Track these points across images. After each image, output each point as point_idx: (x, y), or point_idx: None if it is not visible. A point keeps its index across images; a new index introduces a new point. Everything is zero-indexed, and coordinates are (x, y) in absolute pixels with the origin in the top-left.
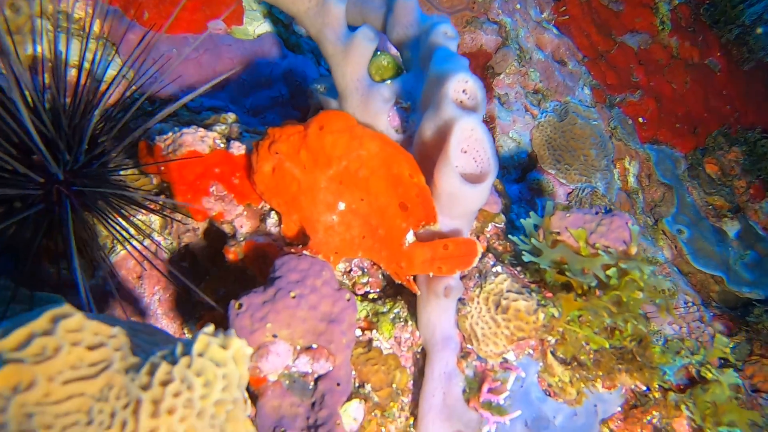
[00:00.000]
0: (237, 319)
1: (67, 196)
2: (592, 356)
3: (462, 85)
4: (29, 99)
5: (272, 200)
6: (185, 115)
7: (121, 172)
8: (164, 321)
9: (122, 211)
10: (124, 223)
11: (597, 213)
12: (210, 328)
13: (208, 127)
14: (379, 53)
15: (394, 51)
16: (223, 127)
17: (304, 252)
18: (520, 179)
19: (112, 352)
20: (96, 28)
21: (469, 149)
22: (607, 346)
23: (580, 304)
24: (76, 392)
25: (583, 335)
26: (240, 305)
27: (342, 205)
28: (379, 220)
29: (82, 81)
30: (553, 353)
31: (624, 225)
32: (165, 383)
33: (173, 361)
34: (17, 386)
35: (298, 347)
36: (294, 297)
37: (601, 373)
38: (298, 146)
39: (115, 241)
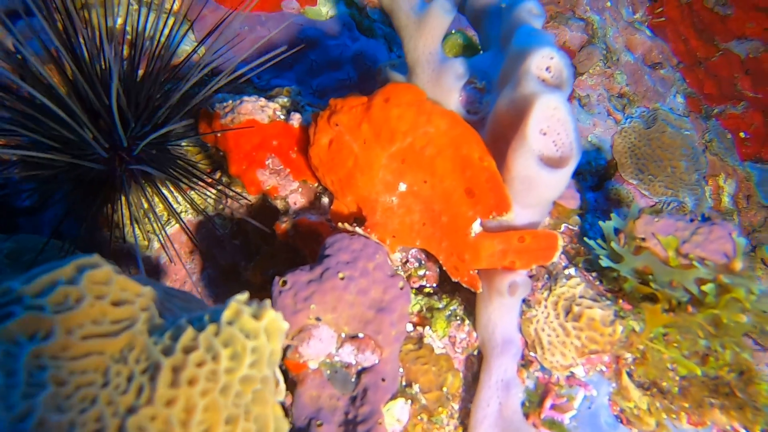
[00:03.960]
0: (280, 298)
1: (128, 162)
2: (677, 383)
3: (546, 61)
4: (102, 68)
5: (326, 177)
6: (251, 93)
7: (185, 146)
8: (211, 299)
9: (180, 183)
10: (179, 196)
11: (692, 220)
12: (244, 295)
13: (270, 98)
14: (454, 32)
15: (471, 32)
16: (285, 99)
17: (357, 230)
18: (596, 187)
19: (138, 312)
20: (176, 5)
21: (550, 131)
22: (699, 373)
23: (668, 319)
24: (94, 350)
25: (670, 357)
26: (284, 282)
27: (403, 186)
28: (443, 206)
29: (156, 53)
30: (629, 374)
31: (726, 236)
32: (188, 350)
33: (200, 328)
34: (34, 335)
35: (344, 335)
36: (342, 278)
37: (687, 405)
38: (360, 119)
39: (171, 215)
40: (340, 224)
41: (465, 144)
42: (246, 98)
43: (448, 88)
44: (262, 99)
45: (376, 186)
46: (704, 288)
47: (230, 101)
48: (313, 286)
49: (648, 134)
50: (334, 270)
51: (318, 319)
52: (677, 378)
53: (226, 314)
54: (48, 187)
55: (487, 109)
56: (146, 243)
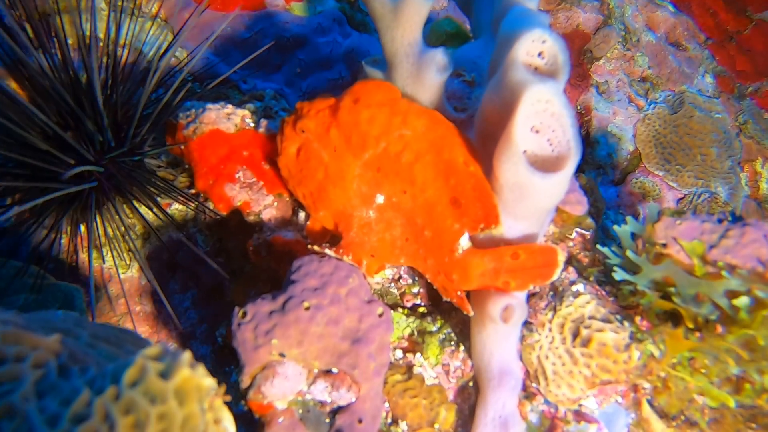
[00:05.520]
0: (239, 331)
1: (96, 177)
2: (707, 413)
3: (537, 45)
4: (70, 78)
5: (297, 190)
6: (237, 98)
7: (162, 159)
8: (196, 320)
9: (156, 198)
10: (158, 211)
11: (721, 221)
12: (154, 349)
13: (241, 104)
14: (442, 18)
15: (462, 18)
16: (258, 104)
17: (328, 252)
18: (618, 181)
19: (28, 371)
20: (153, 8)
21: (543, 128)
22: (732, 404)
23: (692, 344)
24: None
25: (696, 386)
26: (244, 314)
27: (380, 198)
28: (426, 219)
29: (129, 60)
30: (650, 402)
31: (761, 238)
32: (78, 420)
33: (100, 390)
34: None
35: (315, 370)
36: (308, 308)
37: None
38: (327, 123)
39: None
40: (309, 246)
41: (447, 147)
42: (210, 106)
43: (430, 82)
44: (229, 106)
45: (351, 199)
46: (735, 302)
47: (193, 110)
48: (275, 318)
49: (674, 120)
50: (298, 299)
51: (282, 354)
52: (706, 408)
53: (129, 374)
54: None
55: (476, 106)
56: (126, 262)
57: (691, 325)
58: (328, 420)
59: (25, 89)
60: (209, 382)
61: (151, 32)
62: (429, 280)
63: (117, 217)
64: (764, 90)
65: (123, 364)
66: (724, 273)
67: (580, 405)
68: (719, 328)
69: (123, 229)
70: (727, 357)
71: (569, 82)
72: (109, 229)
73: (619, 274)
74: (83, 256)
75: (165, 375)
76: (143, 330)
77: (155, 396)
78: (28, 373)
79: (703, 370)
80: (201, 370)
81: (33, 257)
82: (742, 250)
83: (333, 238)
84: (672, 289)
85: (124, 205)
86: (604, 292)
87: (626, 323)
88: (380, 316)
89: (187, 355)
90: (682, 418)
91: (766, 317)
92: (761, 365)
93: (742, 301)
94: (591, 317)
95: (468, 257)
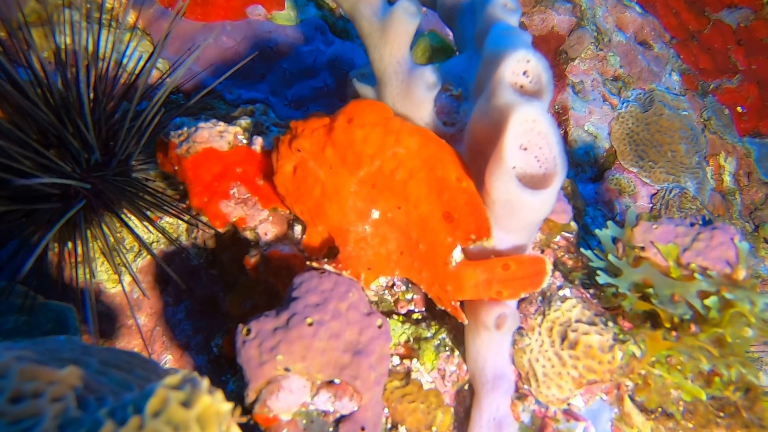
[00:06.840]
0: (244, 348)
1: (84, 195)
2: (682, 406)
3: (522, 65)
4: (49, 94)
5: (294, 206)
6: (222, 108)
7: (151, 173)
8: (190, 331)
9: (146, 213)
10: (149, 226)
11: (693, 225)
12: (174, 377)
13: (231, 120)
14: (427, 33)
15: (446, 31)
16: (249, 120)
17: (327, 267)
18: (596, 178)
19: (47, 406)
20: (130, 18)
21: (530, 145)
22: (704, 397)
23: (670, 343)
24: None
25: (673, 382)
26: (248, 331)
27: (376, 214)
28: (420, 233)
29: (110, 74)
30: (632, 398)
31: (728, 241)
32: None
33: (122, 420)
34: None
35: (318, 381)
36: (311, 324)
37: (691, 426)
38: (323, 143)
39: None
40: (308, 262)
41: (439, 164)
42: (202, 125)
43: (420, 99)
44: (221, 124)
45: (347, 215)
46: (707, 302)
47: (185, 128)
48: (279, 335)
49: (645, 118)
50: (301, 315)
51: (287, 369)
52: (681, 402)
53: (150, 404)
54: (6, 224)
55: (464, 120)
56: (116, 277)
57: (668, 325)
58: (331, 429)
59: (3, 108)
60: (227, 406)
61: (130, 44)
62: (424, 290)
63: (106, 232)
64: (724, 87)
65: (144, 394)
66: (696, 275)
67: (569, 404)
68: (693, 327)
69: (113, 243)
70: (699, 354)
71: None
72: (100, 243)
73: (602, 278)
74: (72, 273)
75: (186, 404)
76: (136, 343)
77: (178, 425)
78: (47, 408)
79: (678, 367)
80: (219, 395)
81: (19, 277)
82: (712, 252)
83: (330, 251)
84: (650, 290)
85: (114, 219)
86: (588, 295)
87: (610, 324)
88: (379, 327)
89: (206, 383)
90: (660, 411)
91: (733, 315)
92: (728, 360)
93: (713, 300)
94: (577, 320)
95: (461, 269)
